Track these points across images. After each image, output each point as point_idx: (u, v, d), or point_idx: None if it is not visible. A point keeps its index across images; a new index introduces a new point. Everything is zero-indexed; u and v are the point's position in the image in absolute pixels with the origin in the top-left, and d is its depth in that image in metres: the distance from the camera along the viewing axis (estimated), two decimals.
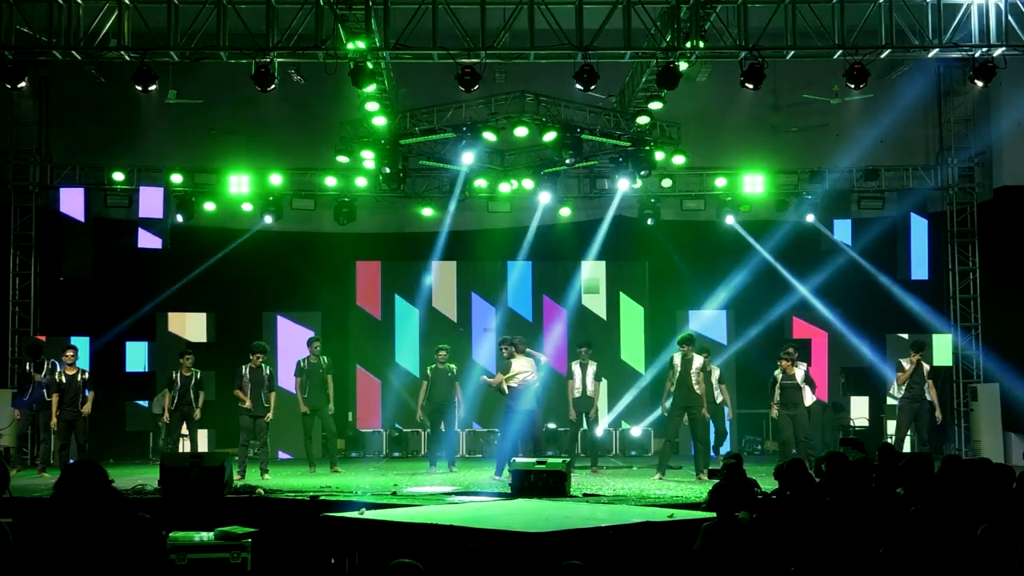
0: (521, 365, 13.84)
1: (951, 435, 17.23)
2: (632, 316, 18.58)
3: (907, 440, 14.58)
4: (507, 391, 13.80)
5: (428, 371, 15.12)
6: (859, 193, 17.69)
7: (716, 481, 8.94)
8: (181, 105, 15.94)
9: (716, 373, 14.91)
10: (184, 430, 14.68)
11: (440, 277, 18.40)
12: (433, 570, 5.06)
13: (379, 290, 18.44)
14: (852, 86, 12.95)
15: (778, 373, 14.26)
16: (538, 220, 17.93)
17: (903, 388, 14.39)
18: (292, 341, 17.36)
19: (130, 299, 17.18)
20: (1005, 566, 5.22)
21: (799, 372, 14.21)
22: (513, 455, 12.62)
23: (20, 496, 9.90)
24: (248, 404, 13.88)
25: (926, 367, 14.45)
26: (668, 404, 14.04)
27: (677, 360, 14.07)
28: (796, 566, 6.41)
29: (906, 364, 14.50)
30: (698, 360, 14.03)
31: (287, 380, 15.56)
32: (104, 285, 17.11)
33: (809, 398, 14.18)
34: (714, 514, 7.07)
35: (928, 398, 14.27)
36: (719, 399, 15.12)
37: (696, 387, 13.86)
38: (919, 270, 17.60)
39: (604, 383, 15.97)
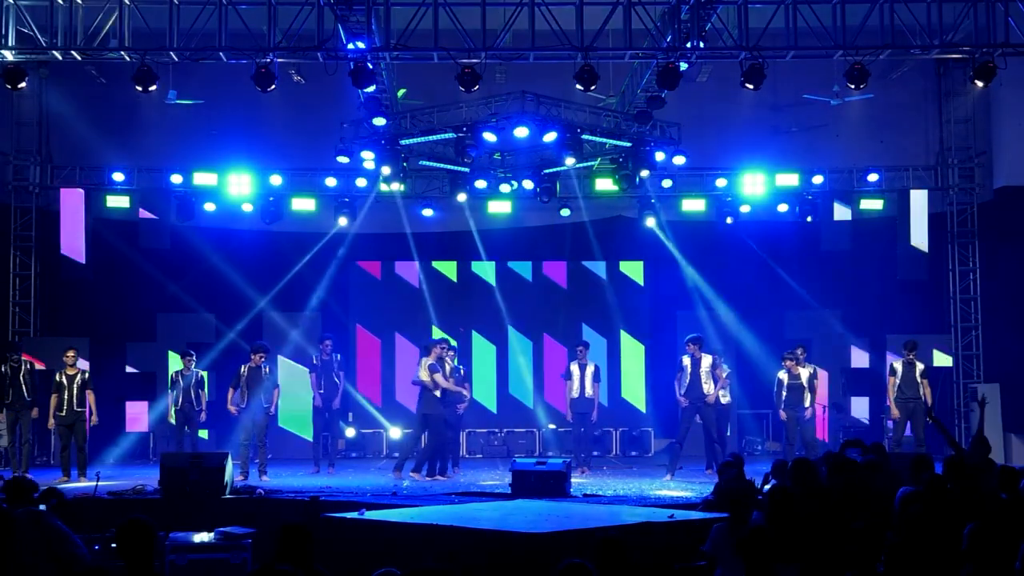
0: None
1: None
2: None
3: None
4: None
5: None
6: (859, 193, 17.68)
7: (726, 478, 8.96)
8: (181, 105, 15.93)
9: (724, 372, 14.88)
10: (187, 430, 14.74)
11: (439, 278, 18.48)
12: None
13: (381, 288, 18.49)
14: (852, 86, 12.95)
15: (783, 374, 14.28)
16: (538, 220, 17.92)
17: (896, 389, 14.42)
18: (292, 341, 17.40)
19: (130, 299, 17.18)
20: (1006, 566, 5.22)
21: (805, 373, 14.24)
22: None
23: None
24: (232, 409, 14.07)
25: (920, 366, 14.44)
26: (683, 401, 14.12)
27: (687, 361, 14.10)
28: (802, 564, 6.42)
29: (898, 366, 14.51)
30: (707, 360, 14.07)
31: (289, 380, 15.60)
32: (104, 285, 17.10)
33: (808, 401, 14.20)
34: (714, 514, 7.07)
35: (922, 397, 14.29)
36: (725, 399, 14.96)
37: (706, 386, 13.94)
38: (919, 270, 17.59)
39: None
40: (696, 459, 14.82)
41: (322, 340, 15.18)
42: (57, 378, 14.02)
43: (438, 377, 13.91)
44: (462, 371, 14.91)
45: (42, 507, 7.09)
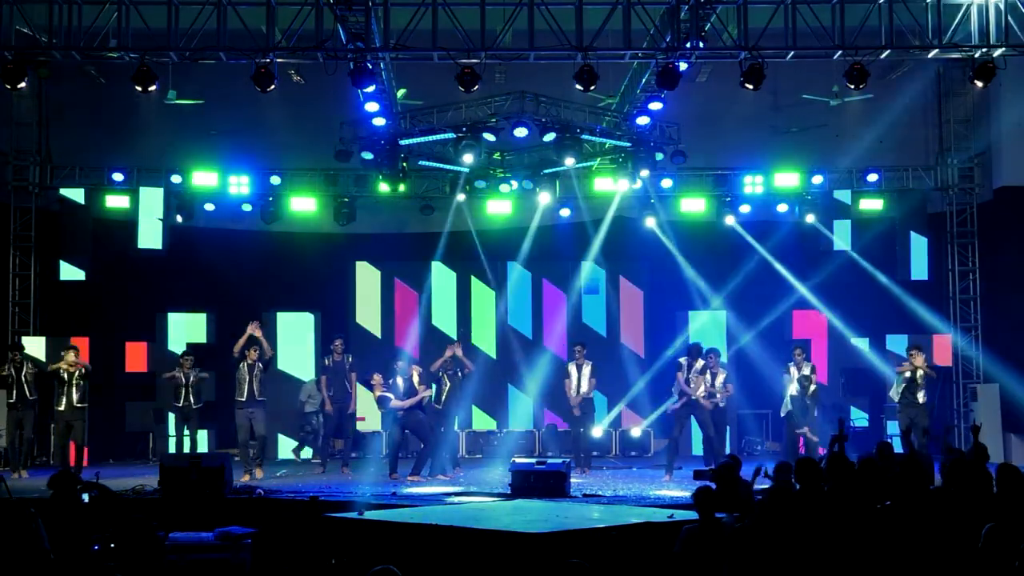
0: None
1: (950, 436, 17.20)
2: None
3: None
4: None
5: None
6: (859, 193, 17.67)
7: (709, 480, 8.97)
8: (181, 105, 15.93)
9: (722, 376, 14.87)
10: (185, 430, 14.72)
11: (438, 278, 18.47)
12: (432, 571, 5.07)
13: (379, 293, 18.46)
14: (852, 86, 12.94)
15: (790, 375, 14.30)
16: (538, 220, 17.93)
17: (900, 388, 14.39)
18: (292, 341, 17.39)
19: (130, 299, 17.17)
20: (1006, 566, 5.23)
21: (808, 371, 14.28)
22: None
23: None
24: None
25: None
26: (675, 405, 14.11)
27: (684, 362, 14.11)
28: (791, 566, 6.42)
29: (907, 364, 14.48)
30: (699, 361, 14.09)
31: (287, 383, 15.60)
32: (104, 285, 17.10)
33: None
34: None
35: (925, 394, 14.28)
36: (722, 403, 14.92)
37: (701, 387, 13.96)
38: (919, 270, 17.59)
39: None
40: (696, 460, 14.82)
41: (332, 341, 15.10)
42: (59, 373, 14.00)
43: (395, 404, 13.95)
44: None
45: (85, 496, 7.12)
